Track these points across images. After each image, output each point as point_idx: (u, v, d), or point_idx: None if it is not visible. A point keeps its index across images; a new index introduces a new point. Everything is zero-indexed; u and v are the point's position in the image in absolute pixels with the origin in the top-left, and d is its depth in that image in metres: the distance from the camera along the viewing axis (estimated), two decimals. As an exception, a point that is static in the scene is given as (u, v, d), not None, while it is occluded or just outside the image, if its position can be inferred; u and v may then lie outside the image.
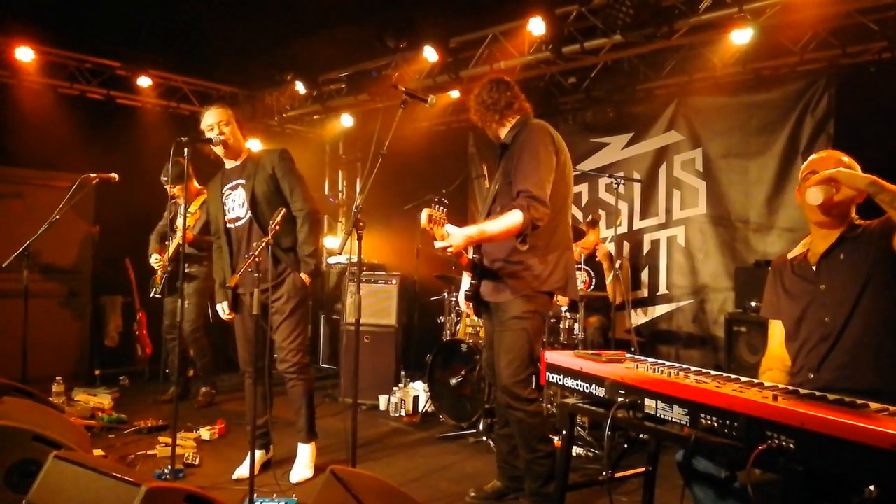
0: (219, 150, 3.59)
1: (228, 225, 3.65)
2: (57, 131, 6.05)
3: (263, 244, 2.96)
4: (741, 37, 4.70)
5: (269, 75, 6.77)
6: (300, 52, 6.26)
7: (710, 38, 4.94)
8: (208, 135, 3.57)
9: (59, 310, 5.82)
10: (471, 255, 3.23)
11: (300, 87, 6.55)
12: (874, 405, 1.69)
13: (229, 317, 3.71)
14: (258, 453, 3.72)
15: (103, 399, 5.07)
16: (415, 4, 5.40)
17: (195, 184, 5.08)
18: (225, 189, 3.67)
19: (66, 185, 4.77)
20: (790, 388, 1.93)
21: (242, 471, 3.61)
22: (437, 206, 2.86)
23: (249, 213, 3.54)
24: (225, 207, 3.65)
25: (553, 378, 2.38)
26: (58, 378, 5.06)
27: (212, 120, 3.56)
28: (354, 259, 6.56)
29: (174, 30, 5.99)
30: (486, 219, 3.03)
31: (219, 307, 3.76)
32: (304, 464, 3.70)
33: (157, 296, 5.11)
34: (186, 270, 4.98)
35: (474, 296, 3.23)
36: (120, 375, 5.78)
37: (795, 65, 5.11)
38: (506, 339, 3.06)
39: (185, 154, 3.39)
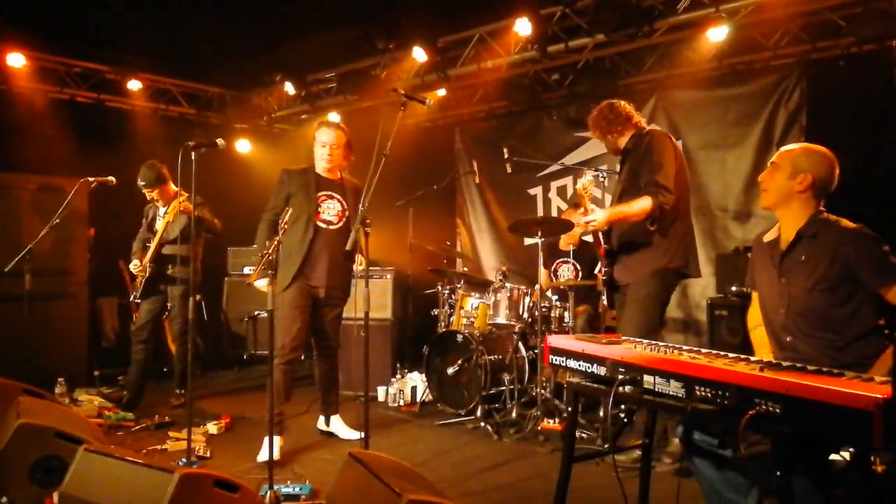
0: (321, 164, 4.15)
1: (320, 224, 4.11)
2: (48, 136, 6.10)
3: (276, 242, 3.10)
4: (717, 34, 4.93)
5: (258, 76, 6.89)
6: (289, 52, 6.37)
7: (687, 35, 5.16)
8: (320, 150, 4.12)
9: (57, 312, 5.87)
10: (604, 245, 3.74)
11: (289, 88, 6.67)
12: (849, 373, 1.89)
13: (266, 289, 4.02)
14: (278, 439, 3.92)
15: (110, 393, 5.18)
16: (402, 5, 5.54)
17: (172, 186, 4.99)
18: (320, 193, 4.14)
19: (60, 188, 4.87)
20: (773, 361, 2.14)
21: (264, 455, 3.81)
22: (588, 181, 3.51)
23: (341, 225, 4.17)
24: (319, 208, 4.12)
25: (556, 360, 2.56)
26: (60, 379, 5.14)
27: (326, 139, 4.12)
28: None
29: (162, 32, 6.06)
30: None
31: (261, 283, 4.03)
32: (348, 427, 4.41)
33: (137, 300, 5.09)
34: (169, 272, 5.05)
35: (609, 285, 3.70)
36: (118, 375, 5.86)
37: (769, 60, 5.36)
38: (633, 312, 3.54)
39: (192, 158, 3.53)
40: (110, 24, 5.86)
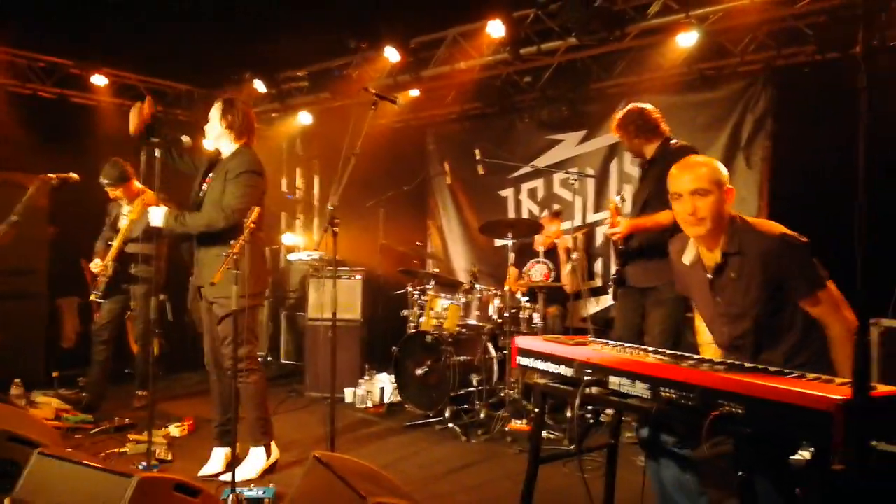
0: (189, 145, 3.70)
1: None
2: (10, 131, 5.94)
3: (241, 241, 3.04)
4: (686, 39, 4.99)
5: (227, 73, 6.78)
6: (259, 50, 6.29)
7: (658, 40, 5.21)
8: None
9: (15, 312, 5.71)
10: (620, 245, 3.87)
11: (259, 86, 6.58)
12: (810, 374, 1.91)
13: None
14: (225, 450, 3.76)
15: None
16: (375, 5, 5.50)
17: (136, 183, 4.90)
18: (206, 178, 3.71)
19: (21, 185, 4.73)
20: (736, 362, 2.15)
21: (208, 469, 3.68)
22: (620, 199, 3.74)
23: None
24: None
25: (524, 361, 2.55)
26: (16, 381, 5.00)
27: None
28: (316, 256, 6.68)
29: (129, 27, 5.95)
30: (640, 216, 3.71)
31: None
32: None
33: (99, 300, 4.97)
34: (132, 271, 4.95)
35: (618, 280, 3.86)
36: (78, 377, 5.71)
37: (736, 66, 5.43)
38: (661, 314, 3.71)
39: (156, 155, 3.46)
40: (75, 18, 5.72)
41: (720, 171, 2.35)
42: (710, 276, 2.40)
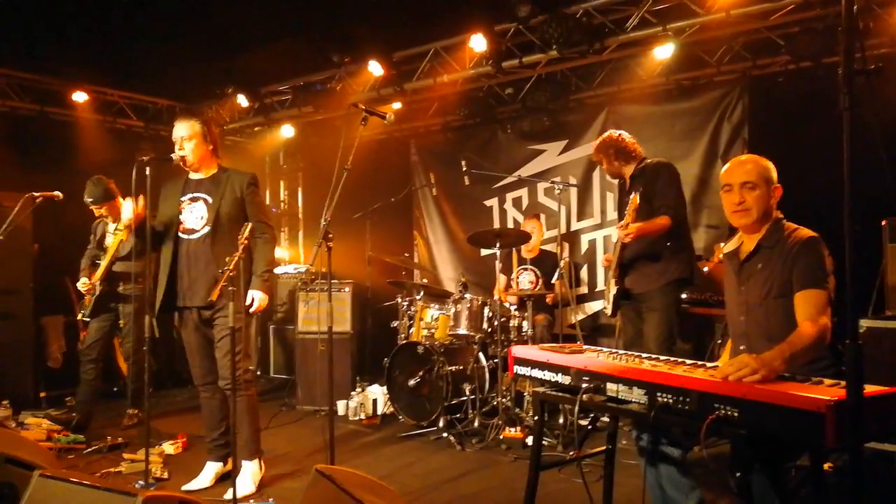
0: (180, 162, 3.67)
1: (181, 235, 3.66)
2: (-11, 149, 5.89)
3: (236, 258, 3.07)
4: (664, 52, 5.13)
5: (209, 88, 6.79)
6: (242, 65, 6.32)
7: (636, 52, 5.35)
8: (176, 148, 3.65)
9: (1, 332, 5.64)
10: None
11: (242, 100, 6.60)
12: (800, 377, 2.00)
13: None
14: (217, 465, 3.79)
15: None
16: (358, 19, 5.56)
17: (121, 200, 4.86)
18: (184, 198, 3.68)
19: (2, 204, 4.70)
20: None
21: (195, 483, 3.68)
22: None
23: (207, 229, 3.61)
24: (181, 217, 3.67)
25: (521, 370, 2.62)
26: (4, 402, 4.96)
27: (176, 134, 3.63)
28: (302, 269, 6.69)
29: (110, 43, 5.93)
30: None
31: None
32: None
33: (86, 319, 4.97)
34: (120, 290, 4.94)
35: (623, 294, 4.05)
36: (66, 397, 5.66)
37: (712, 76, 5.59)
38: (655, 319, 3.93)
39: (147, 173, 3.46)
40: (55, 34, 5.69)
41: (770, 170, 2.50)
42: (741, 262, 2.52)
